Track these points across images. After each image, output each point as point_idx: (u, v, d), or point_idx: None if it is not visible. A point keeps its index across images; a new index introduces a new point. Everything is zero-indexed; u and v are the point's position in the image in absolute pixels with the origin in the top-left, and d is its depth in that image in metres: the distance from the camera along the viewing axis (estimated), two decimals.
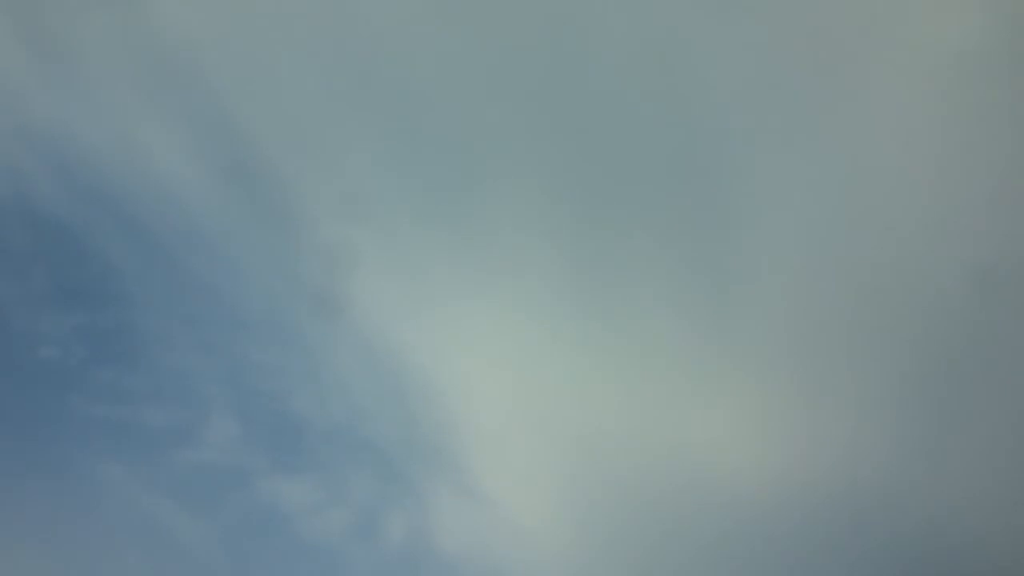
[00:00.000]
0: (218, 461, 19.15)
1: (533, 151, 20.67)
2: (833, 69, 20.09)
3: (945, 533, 18.81)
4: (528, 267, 20.49)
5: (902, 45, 19.86)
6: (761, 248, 20.41)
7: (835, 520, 19.32)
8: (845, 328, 20.16)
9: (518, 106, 20.59)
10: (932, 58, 19.68)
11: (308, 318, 20.08)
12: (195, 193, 19.92)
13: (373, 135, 20.57)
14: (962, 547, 18.71)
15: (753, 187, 20.44)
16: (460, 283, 20.53)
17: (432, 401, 20.15)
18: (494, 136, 20.65)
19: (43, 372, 18.71)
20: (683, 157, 20.60)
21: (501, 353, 20.37)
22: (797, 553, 19.21)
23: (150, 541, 18.51)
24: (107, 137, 19.65)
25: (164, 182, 19.77)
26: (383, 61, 20.32)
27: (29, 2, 19.34)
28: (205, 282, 19.83)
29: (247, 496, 19.21)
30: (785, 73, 20.19)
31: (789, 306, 20.33)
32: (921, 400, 19.75)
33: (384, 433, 20.03)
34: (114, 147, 19.68)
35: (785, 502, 19.49)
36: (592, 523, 19.94)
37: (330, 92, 20.41)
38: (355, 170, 20.51)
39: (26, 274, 18.93)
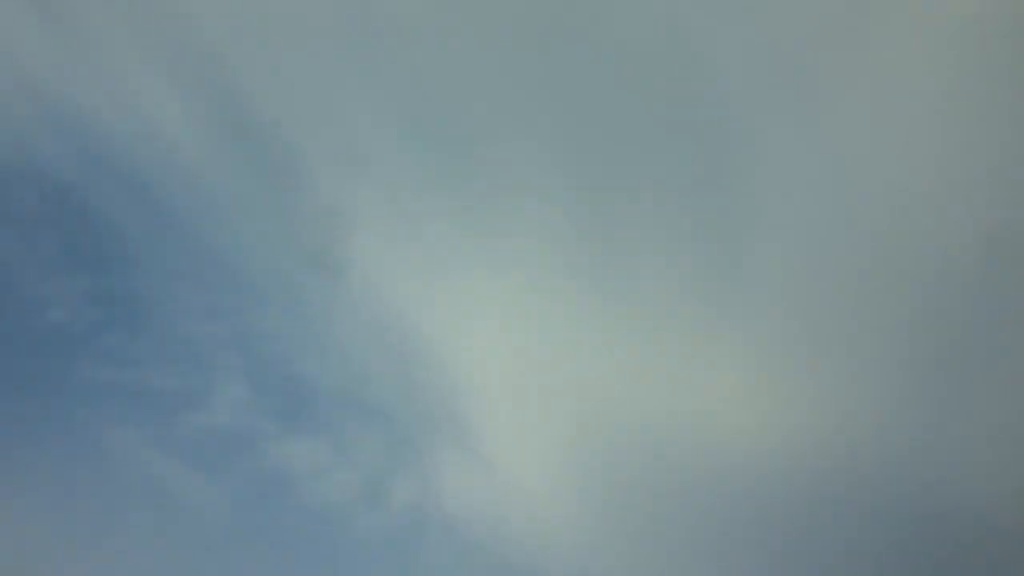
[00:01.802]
0: (226, 424, 19.26)
1: (538, 116, 20.64)
2: (838, 42, 20.07)
3: (946, 496, 19.03)
4: (533, 231, 20.54)
5: (905, 13, 19.82)
6: (765, 216, 20.47)
7: (836, 484, 19.52)
8: (847, 295, 20.27)
9: (524, 71, 20.53)
10: (935, 28, 19.65)
11: (314, 281, 20.12)
12: (201, 157, 19.88)
13: (378, 98, 20.51)
14: (962, 510, 18.93)
15: (758, 157, 20.47)
16: (465, 247, 20.57)
17: (437, 364, 20.25)
18: (499, 100, 20.60)
19: (51, 336, 18.75)
20: (688, 124, 20.60)
21: (505, 317, 20.45)
22: (798, 515, 19.42)
23: (158, 504, 18.63)
24: (113, 100, 19.58)
25: (170, 146, 19.72)
26: (387, 23, 20.22)
27: None
28: (211, 246, 19.84)
29: (254, 459, 19.33)
30: (791, 59, 20.19)
31: (792, 274, 20.42)
32: (922, 366, 19.91)
33: (390, 396, 20.15)
34: (120, 111, 19.60)
35: (787, 466, 19.68)
36: (595, 487, 20.10)
37: (336, 56, 20.32)
38: (360, 134, 20.46)
39: (33, 238, 18.91)
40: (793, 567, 18.92)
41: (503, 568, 19.02)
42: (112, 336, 19.05)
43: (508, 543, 19.55)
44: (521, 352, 20.43)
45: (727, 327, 20.39)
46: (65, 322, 18.80)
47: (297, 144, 20.14)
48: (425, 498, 19.80)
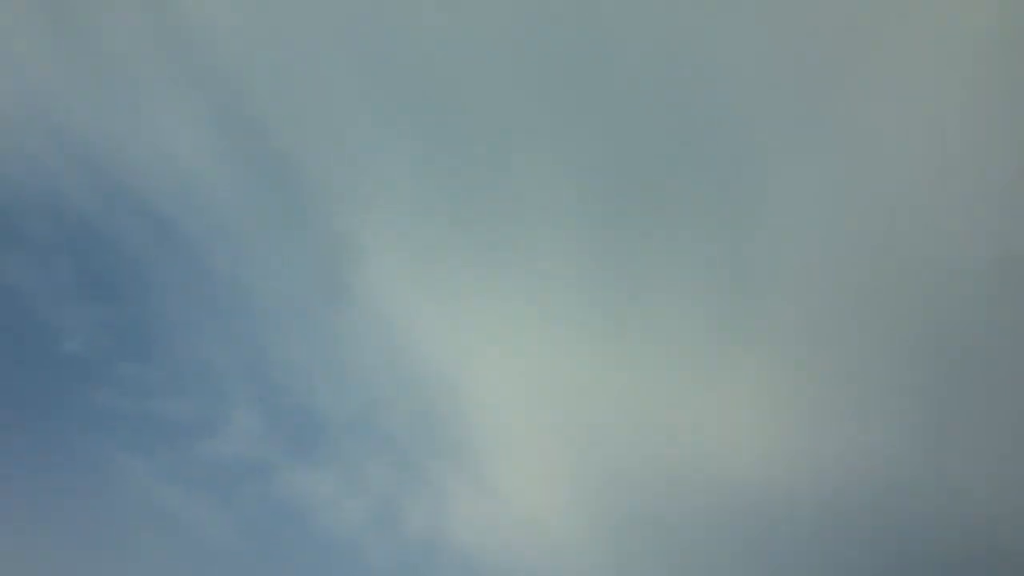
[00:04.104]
0: (239, 454, 19.30)
1: (550, 146, 20.77)
2: (850, 64, 20.18)
3: (952, 521, 19.10)
4: (545, 262, 20.63)
5: (918, 35, 19.91)
6: (774, 245, 20.56)
7: (841, 510, 19.58)
8: (855, 323, 20.36)
9: (535, 101, 20.67)
10: (950, 48, 19.73)
11: (328, 311, 20.20)
12: (217, 187, 19.99)
13: (393, 129, 20.64)
14: (967, 535, 19.00)
15: (768, 185, 20.57)
16: (477, 277, 20.66)
17: (448, 393, 20.32)
18: (511, 130, 20.73)
19: (67, 365, 18.79)
20: (699, 154, 20.71)
21: (517, 348, 20.54)
22: (804, 541, 19.47)
23: (170, 532, 18.66)
24: (131, 132, 19.69)
25: (187, 177, 19.82)
26: (403, 56, 20.36)
27: (59, 1, 19.32)
28: (227, 276, 19.92)
29: (267, 488, 19.35)
30: (800, 69, 20.28)
31: (801, 301, 20.51)
32: (928, 394, 19.98)
33: (400, 425, 20.20)
34: (138, 142, 19.72)
35: (793, 492, 19.74)
36: (604, 516, 20.15)
37: (352, 90, 20.45)
38: (376, 167, 20.58)
39: (50, 267, 18.98)
40: None
41: None
42: (126, 365, 19.13)
43: (517, 571, 19.58)
44: (533, 382, 20.51)
45: (739, 357, 20.47)
46: (80, 351, 18.88)
47: (312, 175, 20.28)
48: (435, 526, 19.84)
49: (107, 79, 19.76)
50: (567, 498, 20.32)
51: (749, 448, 20.27)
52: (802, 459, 20.13)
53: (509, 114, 20.69)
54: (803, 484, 19.94)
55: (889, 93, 20.11)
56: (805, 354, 20.48)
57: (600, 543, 20.10)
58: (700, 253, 20.80)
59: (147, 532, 18.47)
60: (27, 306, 18.61)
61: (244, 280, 20.09)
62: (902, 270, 20.41)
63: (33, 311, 18.60)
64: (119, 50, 19.71)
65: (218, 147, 20.01)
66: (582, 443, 20.55)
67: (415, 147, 20.77)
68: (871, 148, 20.24)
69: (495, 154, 20.81)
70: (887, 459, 19.92)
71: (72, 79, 19.63)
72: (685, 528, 20.01)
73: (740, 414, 20.41)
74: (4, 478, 18.01)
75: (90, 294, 19.14)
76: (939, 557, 19.18)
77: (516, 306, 20.75)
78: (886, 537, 19.61)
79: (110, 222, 19.45)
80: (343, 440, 19.93)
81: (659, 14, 20.27)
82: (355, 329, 20.24)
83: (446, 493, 20.13)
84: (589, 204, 20.99)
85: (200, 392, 19.36)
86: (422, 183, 20.80)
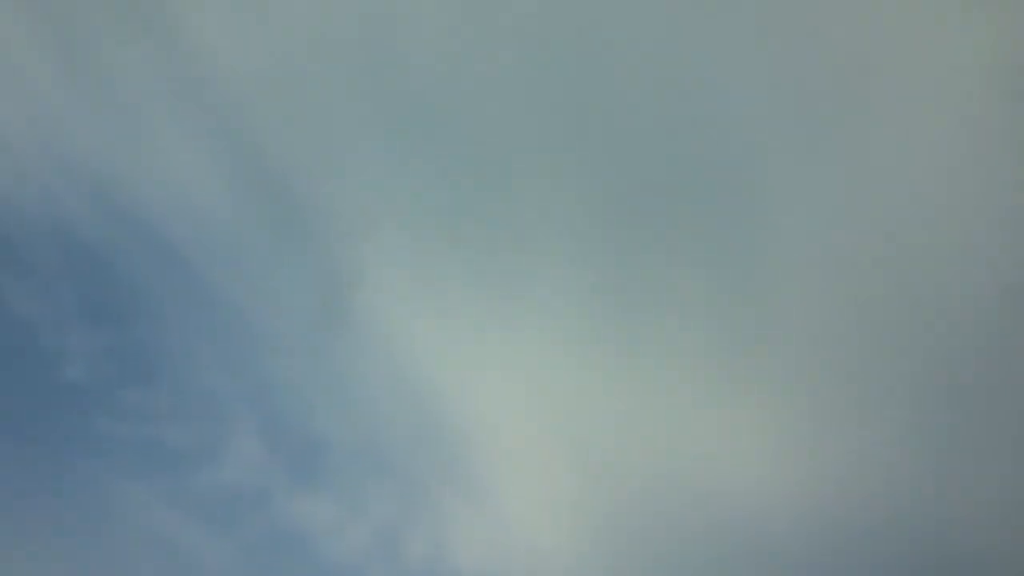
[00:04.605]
0: (239, 481, 19.32)
1: (553, 167, 20.78)
2: (855, 83, 20.13)
3: (953, 552, 18.92)
4: (547, 289, 20.61)
5: (927, 55, 19.83)
6: (778, 262, 20.49)
7: (843, 539, 19.44)
8: (860, 346, 20.24)
9: (537, 124, 20.70)
10: (958, 66, 19.64)
11: (329, 337, 20.23)
12: (219, 213, 20.10)
13: (396, 154, 20.71)
14: (969, 566, 18.81)
15: (774, 206, 20.51)
16: (480, 304, 20.66)
17: (452, 420, 20.29)
18: (513, 154, 20.76)
19: (68, 392, 18.89)
20: (703, 174, 20.68)
21: (520, 372, 20.50)
22: (806, 569, 19.32)
23: (170, 561, 18.67)
24: (135, 158, 19.83)
25: (190, 202, 19.94)
26: (406, 83, 20.45)
27: (63, 27, 19.52)
28: (230, 301, 20.00)
29: (267, 513, 19.36)
30: (805, 86, 20.24)
31: (806, 324, 20.40)
32: (933, 420, 19.83)
33: (403, 452, 20.18)
34: (141, 168, 19.86)
35: (797, 517, 19.61)
36: (608, 543, 20.05)
37: (355, 116, 20.54)
38: (377, 189, 20.65)
39: (54, 293, 19.11)
40: None
41: None
42: (128, 391, 19.21)
43: None
44: (536, 407, 20.47)
45: (742, 381, 20.39)
46: (82, 377, 18.97)
47: (314, 201, 20.36)
48: (437, 551, 19.79)
49: (112, 106, 19.94)
50: (571, 522, 20.25)
51: (758, 469, 20.16)
52: (810, 480, 20.01)
53: (510, 137, 20.73)
54: (812, 505, 19.82)
55: (896, 110, 20.01)
56: (812, 371, 20.38)
57: (605, 568, 20.01)
58: (704, 271, 20.75)
59: (147, 558, 18.51)
60: (30, 332, 18.76)
61: (246, 306, 20.18)
62: (909, 287, 20.28)
63: (35, 337, 18.76)
64: (124, 78, 19.89)
65: (221, 174, 20.15)
66: (586, 467, 20.49)
67: (417, 172, 20.83)
68: (878, 164, 20.15)
69: (496, 177, 20.84)
70: (894, 477, 19.78)
71: (77, 106, 19.83)
72: (691, 551, 19.91)
73: (747, 434, 20.32)
74: (4, 504, 18.12)
75: (93, 320, 19.27)
76: None
77: (519, 330, 20.74)
78: (893, 555, 19.47)
79: (113, 248, 19.60)
80: (344, 465, 19.95)
81: (661, 33, 20.29)
82: (357, 354, 20.28)
83: (448, 518, 20.11)
84: (591, 223, 20.98)
85: (201, 418, 19.44)
86: (424, 207, 20.86)
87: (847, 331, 20.32)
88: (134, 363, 19.29)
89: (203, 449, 19.20)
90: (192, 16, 19.69)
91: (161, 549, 18.50)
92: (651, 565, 19.88)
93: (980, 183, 19.84)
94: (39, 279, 19.01)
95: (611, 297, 20.80)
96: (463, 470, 20.28)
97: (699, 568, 19.83)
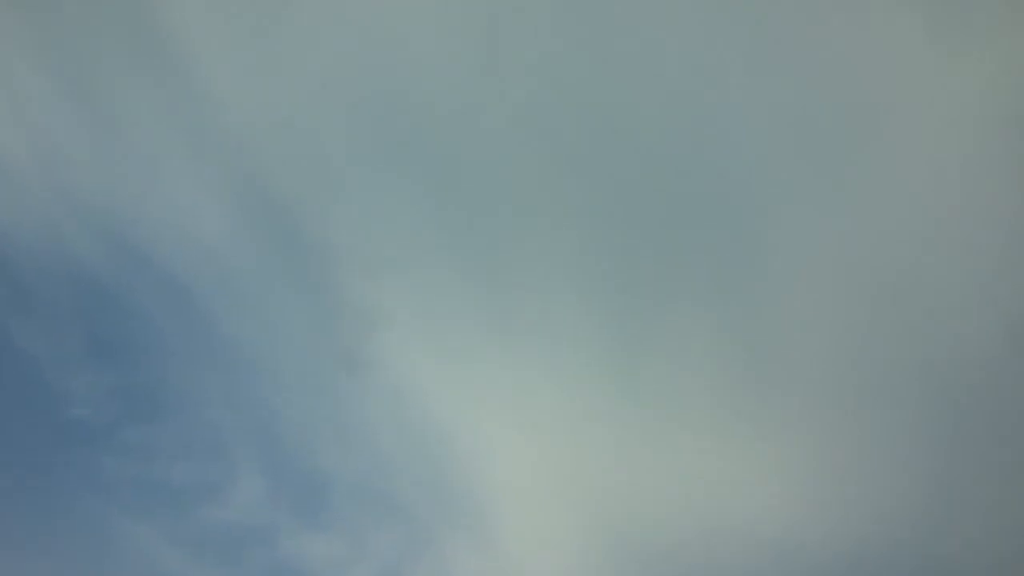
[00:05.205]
0: (242, 519, 19.29)
1: (566, 214, 20.83)
2: (859, 122, 20.17)
3: None
4: (558, 330, 20.61)
5: (931, 87, 19.86)
6: (783, 304, 20.47)
7: (851, 569, 19.33)
8: (864, 383, 20.19)
9: (554, 171, 20.77)
10: (961, 100, 19.67)
11: (337, 376, 20.24)
12: (228, 251, 20.17)
13: (407, 196, 20.79)
14: None
15: (777, 248, 20.52)
16: (489, 344, 20.65)
17: (457, 461, 20.24)
18: (526, 199, 20.83)
19: (73, 430, 18.92)
20: (709, 217, 20.71)
21: (527, 414, 20.47)
22: None
23: None
24: (142, 196, 19.95)
25: (199, 240, 20.03)
26: (417, 126, 20.56)
27: (74, 68, 19.72)
28: (236, 339, 20.04)
29: (272, 552, 19.33)
30: (808, 124, 20.28)
31: (810, 361, 20.37)
32: (940, 455, 19.75)
33: (409, 491, 20.13)
34: (150, 205, 19.98)
35: (803, 552, 19.51)
36: None
37: (366, 157, 20.66)
38: (387, 230, 20.71)
39: (61, 332, 19.18)
40: None
41: None
42: (133, 429, 19.24)
43: None
44: (543, 449, 20.42)
45: (749, 423, 20.34)
46: (87, 416, 19.01)
47: (324, 241, 20.43)
48: None
49: (119, 144, 20.09)
50: (574, 563, 20.15)
51: (761, 505, 20.07)
52: (816, 515, 19.91)
53: (528, 189, 20.80)
54: (817, 539, 19.73)
55: (901, 145, 20.04)
56: (815, 408, 20.32)
57: None
58: (708, 310, 20.74)
59: None
60: (36, 371, 18.82)
61: (252, 344, 20.21)
62: (915, 326, 20.24)
63: (41, 376, 18.81)
64: (132, 116, 20.05)
65: (228, 211, 20.24)
66: (590, 507, 20.41)
67: (428, 214, 20.90)
68: (884, 212, 20.16)
69: (514, 227, 20.90)
70: (900, 511, 19.70)
71: (85, 144, 19.99)
72: None
73: (751, 470, 20.24)
74: (9, 543, 18.11)
75: (98, 358, 19.32)
76: None
77: (527, 372, 20.73)
78: None
79: (120, 286, 19.67)
80: (348, 504, 19.91)
81: (667, 73, 20.39)
82: (364, 394, 20.27)
83: (451, 558, 20.02)
84: (598, 263, 21.01)
85: (205, 456, 19.45)
86: (435, 249, 20.91)
87: (850, 368, 20.28)
88: (139, 401, 19.35)
89: (207, 487, 19.21)
90: (200, 56, 19.87)
91: None
92: None
93: (984, 215, 19.82)
94: (45, 316, 19.10)
95: (622, 342, 20.79)
96: (467, 510, 20.23)
97: None
